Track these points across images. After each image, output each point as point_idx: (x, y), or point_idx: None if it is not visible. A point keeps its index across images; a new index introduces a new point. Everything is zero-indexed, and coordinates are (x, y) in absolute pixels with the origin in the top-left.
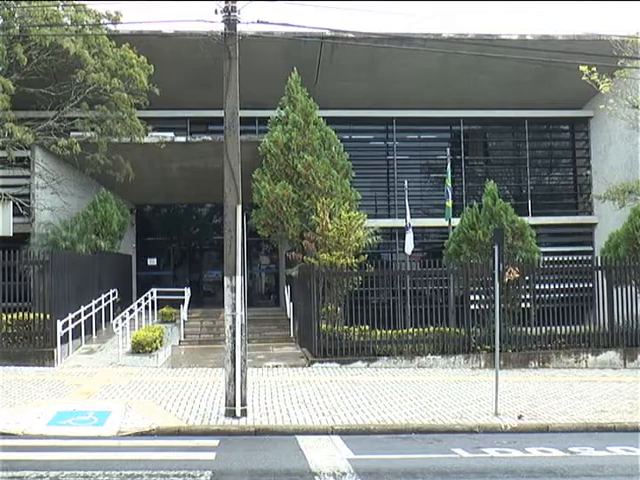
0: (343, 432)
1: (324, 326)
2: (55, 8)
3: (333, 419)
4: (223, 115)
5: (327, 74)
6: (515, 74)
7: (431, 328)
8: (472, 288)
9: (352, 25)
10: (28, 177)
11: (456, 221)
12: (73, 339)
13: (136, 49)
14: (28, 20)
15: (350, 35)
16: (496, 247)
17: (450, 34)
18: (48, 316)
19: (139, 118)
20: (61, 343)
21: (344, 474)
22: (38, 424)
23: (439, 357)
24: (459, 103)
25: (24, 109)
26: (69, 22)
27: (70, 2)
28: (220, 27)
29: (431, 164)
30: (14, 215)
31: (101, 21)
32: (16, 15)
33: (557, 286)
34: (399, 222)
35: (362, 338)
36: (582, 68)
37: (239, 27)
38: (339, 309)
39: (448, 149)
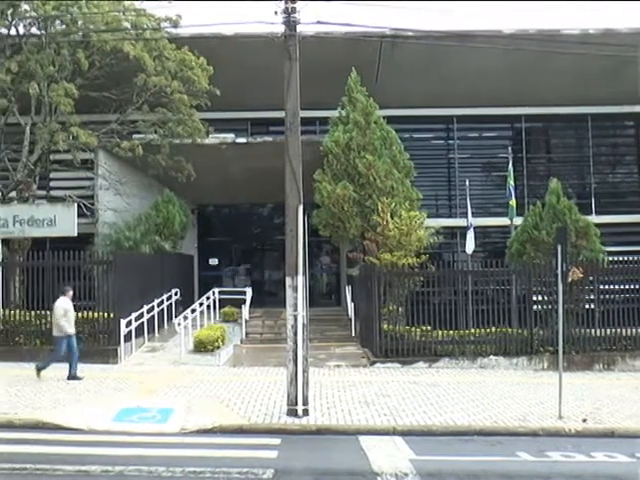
0: (405, 433)
1: (385, 326)
2: (116, 13)
3: (395, 419)
4: (284, 116)
5: (387, 73)
6: (578, 70)
7: (493, 329)
8: (535, 288)
9: (412, 24)
10: (92, 179)
11: (518, 220)
12: (136, 338)
13: (196, 51)
14: (90, 26)
15: (410, 34)
16: (559, 247)
17: (511, 30)
18: (112, 315)
19: (200, 120)
20: (124, 341)
21: (406, 475)
22: (103, 420)
23: (501, 358)
24: (520, 100)
25: (88, 113)
26: (129, 26)
27: (130, 3)
28: (280, 28)
29: (492, 162)
30: (78, 216)
31: (161, 25)
32: (79, 22)
33: (622, 287)
34: (460, 221)
35: (424, 338)
36: None
37: (299, 28)
38: (400, 309)
39: (509, 147)
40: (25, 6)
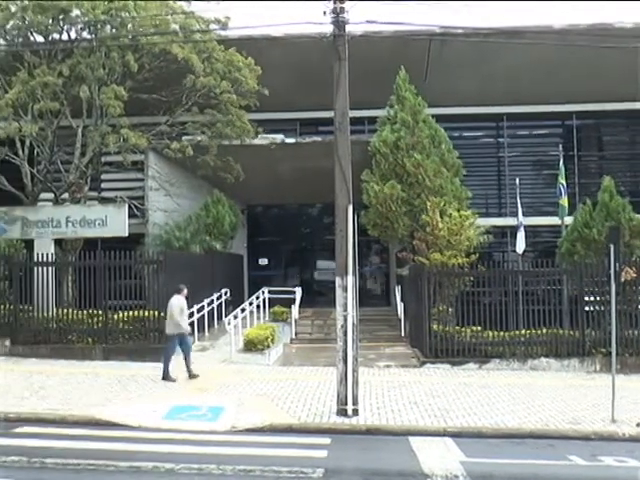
0: (455, 434)
1: (435, 326)
2: (164, 16)
3: (445, 420)
4: (333, 116)
5: (436, 71)
6: (631, 64)
7: (544, 330)
8: (586, 288)
9: (460, 21)
10: (142, 180)
11: (569, 219)
12: None
13: (245, 52)
14: (139, 29)
15: (459, 31)
16: (612, 246)
17: (562, 25)
18: (162, 314)
19: (249, 120)
20: None
21: (457, 477)
22: (154, 417)
23: (552, 360)
24: (571, 97)
25: (137, 115)
26: (178, 29)
27: (179, 5)
28: (329, 28)
29: (543, 160)
30: (129, 216)
31: (210, 26)
32: (128, 26)
33: None
34: (510, 221)
35: (474, 339)
36: None
37: (347, 27)
38: (450, 309)
39: (560, 144)
40: (76, 11)
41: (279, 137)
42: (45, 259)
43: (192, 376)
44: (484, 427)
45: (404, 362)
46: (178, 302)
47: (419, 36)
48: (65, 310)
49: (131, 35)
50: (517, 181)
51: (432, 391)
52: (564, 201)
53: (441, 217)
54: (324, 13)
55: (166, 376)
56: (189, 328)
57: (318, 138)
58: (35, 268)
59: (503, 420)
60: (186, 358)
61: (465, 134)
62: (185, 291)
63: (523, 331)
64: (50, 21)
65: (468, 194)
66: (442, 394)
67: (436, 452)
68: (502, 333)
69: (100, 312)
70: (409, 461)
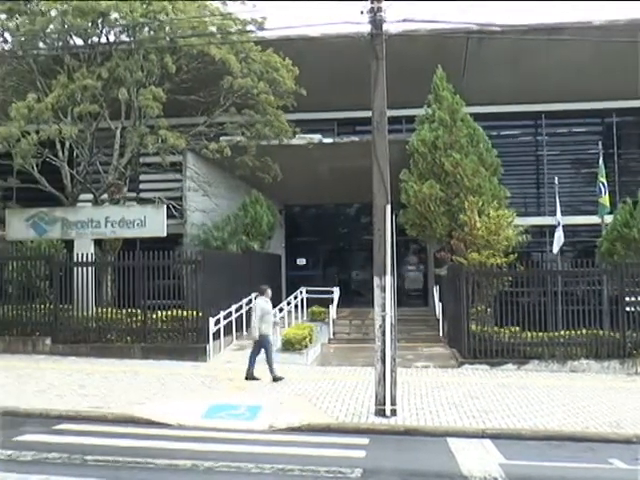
0: (494, 436)
1: (474, 327)
2: (202, 18)
3: (484, 422)
4: (370, 115)
5: (473, 70)
6: None
7: (584, 330)
8: (627, 289)
9: (498, 18)
10: (180, 181)
11: (609, 218)
12: (225, 336)
13: (282, 53)
14: (177, 31)
15: (496, 29)
16: None
17: (601, 21)
18: (201, 313)
19: (287, 121)
20: (213, 339)
21: (495, 479)
22: (192, 416)
23: (592, 361)
24: (611, 94)
25: (176, 116)
26: (215, 30)
27: (216, 7)
28: (366, 28)
29: (582, 159)
30: (167, 217)
31: (247, 27)
32: (166, 28)
33: None
34: (549, 220)
35: (512, 340)
36: None
37: (384, 26)
38: (489, 309)
39: (600, 142)
40: (115, 14)
41: (317, 137)
42: (85, 259)
43: (248, 377)
44: (523, 429)
45: (442, 363)
46: (260, 305)
47: (456, 34)
48: (104, 309)
49: (169, 37)
50: (556, 180)
51: (470, 392)
52: (604, 200)
53: (479, 217)
54: (361, 12)
55: (250, 376)
56: (269, 332)
57: (356, 138)
58: (75, 268)
59: (542, 422)
60: (252, 361)
61: (503, 132)
62: (269, 292)
63: (562, 332)
64: (89, 24)
65: (506, 193)
66: (480, 395)
67: (475, 454)
68: (541, 334)
69: (139, 311)
70: (447, 462)
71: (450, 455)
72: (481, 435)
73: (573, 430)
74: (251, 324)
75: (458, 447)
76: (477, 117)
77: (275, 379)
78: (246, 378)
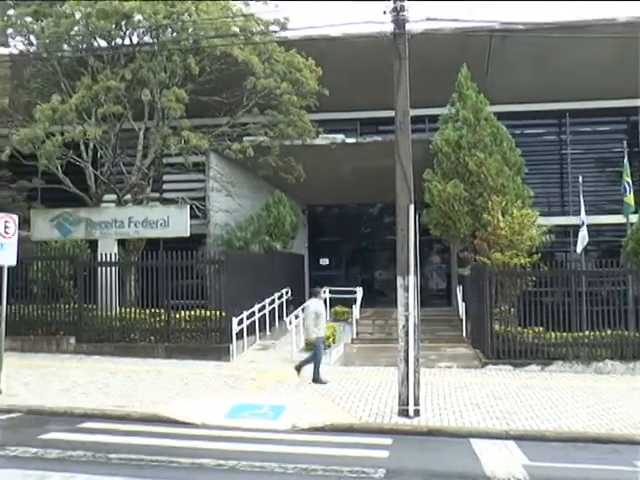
0: (518, 437)
1: (497, 327)
2: (225, 19)
3: (507, 423)
4: (393, 115)
5: (497, 68)
6: None
7: (608, 331)
8: None
9: (521, 16)
10: (203, 181)
11: (634, 217)
12: (248, 336)
13: (304, 53)
14: (200, 32)
15: (520, 27)
16: None
17: (626, 18)
18: (224, 313)
19: (310, 121)
20: (236, 339)
21: None
22: (216, 415)
23: (617, 362)
24: (636, 91)
25: (199, 117)
26: (238, 31)
27: (238, 8)
28: (389, 27)
29: (606, 158)
30: (190, 217)
31: (270, 28)
32: (189, 29)
33: None
34: (573, 220)
35: (536, 340)
36: None
37: (407, 26)
38: (512, 310)
39: (625, 141)
40: (138, 16)
41: (340, 137)
42: (108, 259)
43: (316, 380)
44: (547, 430)
45: (465, 363)
46: (314, 307)
47: (479, 32)
48: (128, 309)
49: (192, 38)
50: (580, 179)
51: (494, 393)
52: (629, 199)
53: (503, 216)
54: (384, 12)
55: (316, 379)
56: (322, 334)
57: (379, 137)
58: (99, 268)
59: (566, 423)
60: (307, 362)
61: (527, 131)
62: (322, 294)
63: (587, 332)
64: (113, 26)
65: (530, 193)
66: (504, 396)
67: (498, 455)
68: (565, 334)
69: (162, 311)
70: (471, 464)
71: (473, 456)
72: (505, 436)
73: (598, 432)
74: (304, 326)
75: (481, 448)
76: (500, 116)
77: (316, 380)
78: (314, 380)
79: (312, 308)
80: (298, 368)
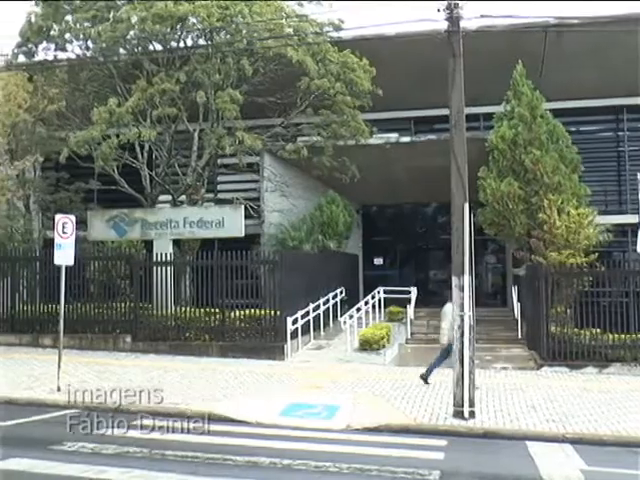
0: (574, 441)
1: (553, 328)
2: (278, 20)
3: (564, 426)
4: (448, 113)
5: (552, 64)
6: None
7: None
8: None
9: (577, 10)
10: (257, 181)
11: None
12: (302, 335)
13: (358, 53)
14: (253, 34)
15: (575, 21)
16: None
17: None
18: (278, 313)
19: (363, 120)
20: (290, 339)
21: None
22: (270, 414)
23: None
24: None
25: (253, 118)
26: (292, 32)
27: (292, 9)
28: (442, 25)
29: None
30: (245, 217)
31: (323, 29)
32: (243, 31)
33: None
34: (631, 218)
35: (593, 342)
36: None
37: (461, 23)
38: (568, 310)
39: None
40: (192, 19)
41: (393, 136)
42: (164, 259)
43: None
44: (605, 434)
45: (521, 364)
46: (451, 310)
47: (534, 28)
48: (183, 308)
49: (246, 40)
50: (638, 176)
51: (550, 395)
52: None
53: (559, 215)
54: (438, 10)
55: (426, 376)
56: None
57: (433, 136)
58: (154, 267)
59: (625, 427)
60: (435, 363)
61: (583, 128)
62: None
63: None
64: (168, 30)
65: (587, 191)
66: (560, 398)
67: (555, 459)
68: (623, 336)
69: (217, 310)
70: (527, 467)
71: (529, 459)
72: (561, 439)
73: None
74: (441, 330)
75: (537, 451)
76: (556, 113)
77: (424, 379)
78: (422, 378)
79: (450, 312)
80: (425, 377)
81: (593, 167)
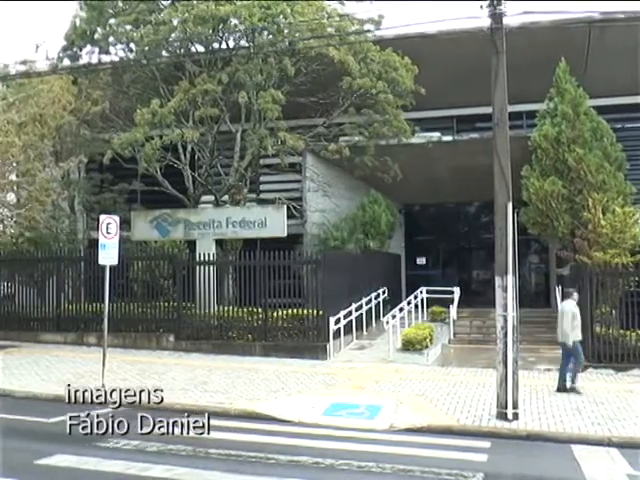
0: (620, 444)
1: (598, 329)
2: (320, 20)
3: (609, 429)
4: (490, 111)
5: (596, 61)
6: None
7: None
8: None
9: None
10: (299, 181)
11: None
12: (344, 335)
13: (400, 51)
14: (295, 34)
15: (620, 16)
16: None
17: None
18: (320, 312)
19: (405, 119)
20: (333, 338)
21: None
22: (313, 413)
23: None
24: None
25: (295, 118)
26: (333, 31)
27: (333, 8)
28: (485, 22)
29: None
30: (287, 217)
31: (364, 26)
32: (285, 31)
33: None
34: None
35: (639, 343)
36: None
37: (504, 20)
38: (614, 311)
39: None
40: (234, 20)
41: (436, 135)
42: (206, 258)
43: (564, 389)
44: None
45: None
46: (570, 309)
47: (578, 24)
48: (226, 308)
49: (288, 40)
50: None
51: (595, 397)
52: None
53: (604, 214)
54: (481, 7)
55: (561, 387)
56: (579, 337)
57: (475, 135)
58: (197, 267)
59: None
60: (564, 370)
61: (628, 125)
62: (575, 295)
63: None
64: (210, 31)
65: (632, 189)
66: (605, 401)
67: (600, 462)
68: None
69: (259, 310)
70: (571, 470)
71: (574, 463)
72: (607, 443)
73: None
74: (558, 330)
75: (582, 455)
76: (600, 110)
77: (567, 389)
78: (558, 390)
79: (568, 308)
80: (562, 388)
81: (639, 165)
